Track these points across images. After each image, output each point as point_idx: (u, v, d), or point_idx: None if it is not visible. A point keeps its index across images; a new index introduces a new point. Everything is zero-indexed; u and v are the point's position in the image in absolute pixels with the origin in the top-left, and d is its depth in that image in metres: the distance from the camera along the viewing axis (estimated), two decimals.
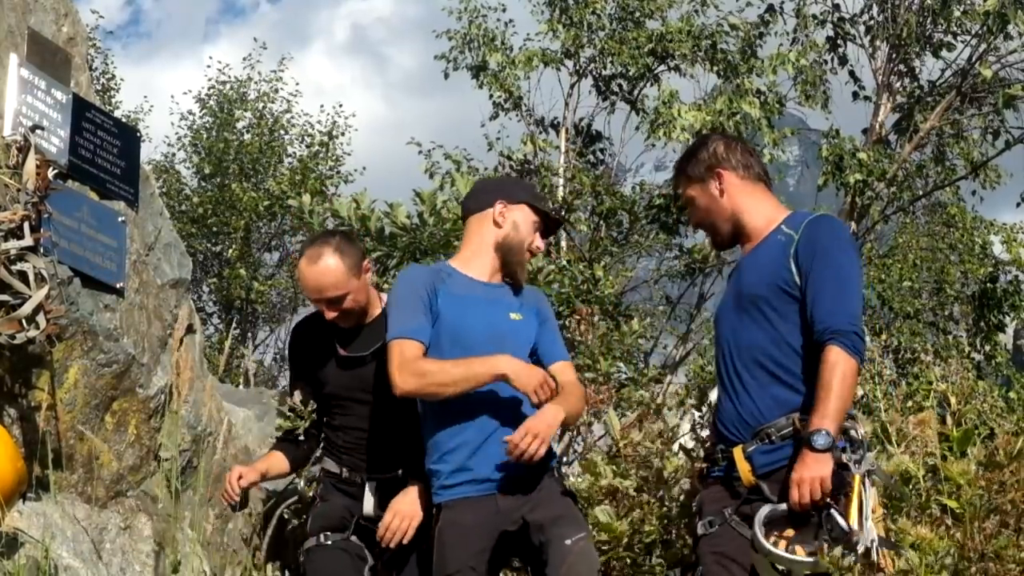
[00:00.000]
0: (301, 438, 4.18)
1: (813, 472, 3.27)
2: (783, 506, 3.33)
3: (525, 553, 3.76)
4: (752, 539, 3.32)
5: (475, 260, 3.91)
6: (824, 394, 3.33)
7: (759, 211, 3.70)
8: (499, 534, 3.67)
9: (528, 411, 3.71)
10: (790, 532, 3.32)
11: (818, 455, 3.27)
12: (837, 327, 3.38)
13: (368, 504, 4.02)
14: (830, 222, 3.65)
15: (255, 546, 4.40)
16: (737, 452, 3.50)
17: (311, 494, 4.34)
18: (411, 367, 3.64)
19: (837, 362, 3.33)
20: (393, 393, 3.75)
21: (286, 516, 4.43)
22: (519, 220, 3.90)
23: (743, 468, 3.48)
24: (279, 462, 4.19)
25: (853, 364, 3.37)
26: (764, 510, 3.34)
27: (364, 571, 3.96)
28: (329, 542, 4.00)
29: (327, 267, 3.96)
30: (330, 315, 4.00)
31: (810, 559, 3.25)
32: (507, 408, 3.73)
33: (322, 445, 4.25)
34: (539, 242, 3.95)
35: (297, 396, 4.16)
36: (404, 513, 3.86)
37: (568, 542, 3.60)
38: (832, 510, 3.27)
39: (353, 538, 4.01)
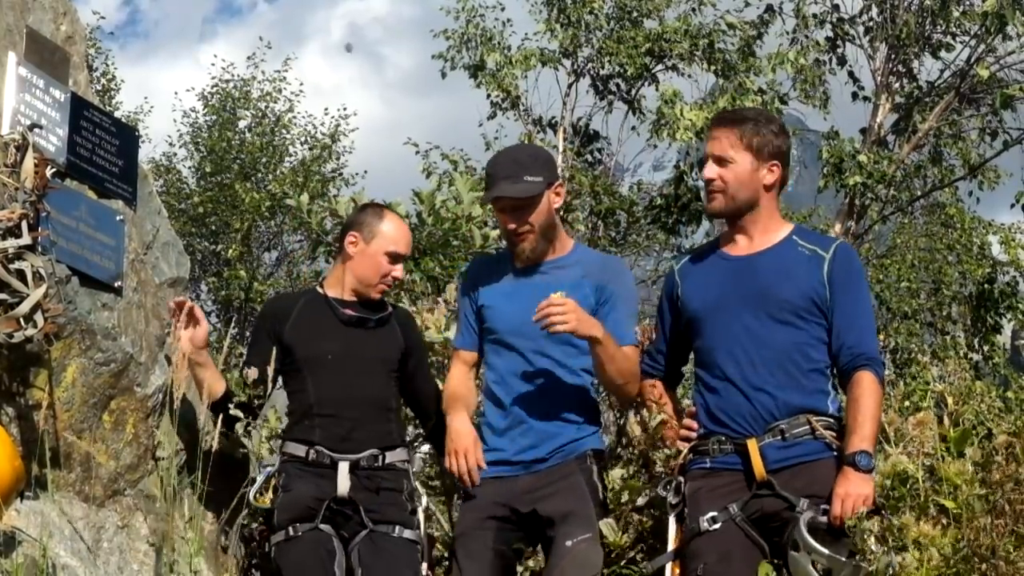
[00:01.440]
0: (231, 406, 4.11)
1: (858, 490, 3.38)
2: (823, 519, 3.40)
3: (530, 535, 3.86)
4: (798, 539, 3.35)
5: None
6: (862, 417, 3.46)
7: (774, 216, 3.76)
8: (511, 510, 3.77)
9: (563, 401, 3.83)
10: (826, 543, 3.36)
11: (862, 474, 3.39)
12: (871, 354, 3.56)
13: (343, 485, 3.97)
14: (856, 254, 3.84)
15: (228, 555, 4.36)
16: (752, 445, 3.52)
17: (267, 496, 4.20)
18: (445, 389, 4.07)
19: (871, 388, 3.50)
20: (386, 366, 4.14)
21: (244, 522, 4.36)
22: (498, 215, 3.99)
23: (757, 462, 3.50)
24: (220, 380, 4.14)
25: (881, 392, 3.56)
26: (807, 515, 3.39)
27: (334, 566, 3.93)
28: (299, 533, 3.97)
29: (406, 226, 4.32)
30: (399, 273, 4.22)
31: (851, 560, 3.30)
32: (542, 399, 3.82)
33: (287, 428, 4.16)
34: (509, 225, 3.87)
35: (253, 372, 4.09)
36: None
37: (569, 543, 3.62)
38: (867, 528, 3.34)
39: (323, 526, 3.99)
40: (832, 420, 3.55)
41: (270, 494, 4.11)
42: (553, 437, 3.79)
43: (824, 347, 3.60)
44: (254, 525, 4.33)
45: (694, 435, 3.70)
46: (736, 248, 3.73)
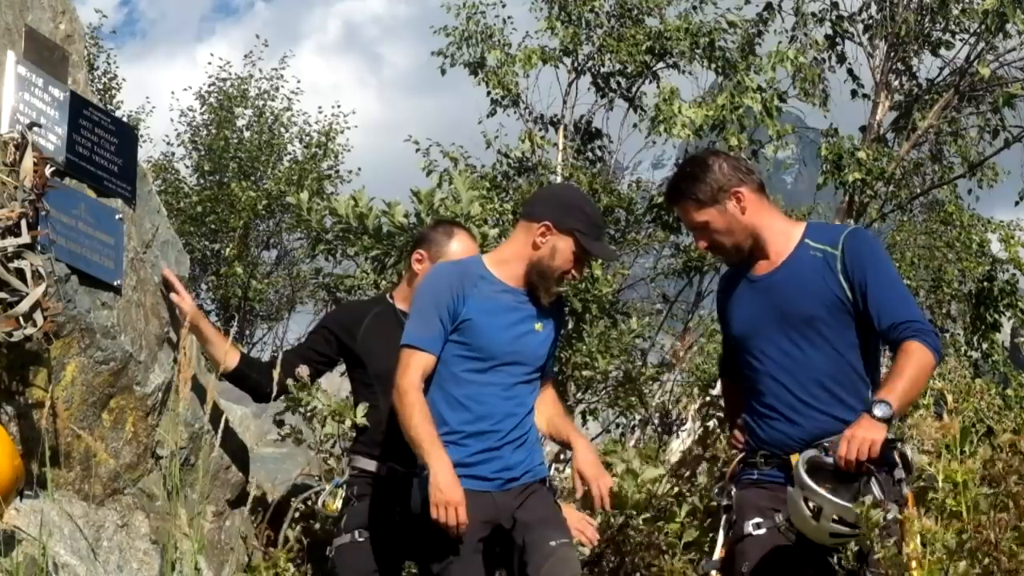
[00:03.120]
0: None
1: (867, 433, 3.33)
2: (829, 459, 3.38)
3: (505, 551, 3.78)
4: (794, 474, 3.36)
5: (511, 264, 3.88)
6: (895, 376, 3.41)
7: (776, 226, 3.74)
8: (495, 527, 3.73)
9: (531, 424, 3.85)
10: (827, 485, 3.36)
11: (875, 421, 3.34)
12: (918, 323, 3.49)
13: (415, 502, 3.95)
14: (867, 234, 3.79)
15: (265, 543, 4.41)
16: (796, 459, 3.51)
17: (336, 503, 4.25)
18: (405, 397, 3.70)
19: (915, 352, 3.42)
20: None
21: (298, 511, 4.42)
22: (560, 248, 3.81)
23: None
24: (223, 343, 4.28)
25: (931, 359, 3.47)
26: (810, 452, 3.39)
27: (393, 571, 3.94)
28: (362, 539, 3.98)
29: (477, 247, 4.29)
30: None
31: (842, 501, 3.28)
32: (520, 421, 3.82)
33: (356, 442, 4.22)
34: (575, 271, 3.87)
35: (304, 370, 4.19)
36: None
37: (552, 543, 3.64)
38: (873, 478, 3.32)
39: (387, 538, 3.98)
40: None
41: (338, 502, 4.16)
42: (524, 459, 3.82)
43: (857, 351, 3.58)
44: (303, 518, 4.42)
45: (741, 446, 3.77)
46: (759, 267, 3.74)
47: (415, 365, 3.74)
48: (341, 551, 4.01)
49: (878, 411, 3.35)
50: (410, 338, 3.78)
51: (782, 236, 3.71)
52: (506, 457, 3.76)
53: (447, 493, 3.58)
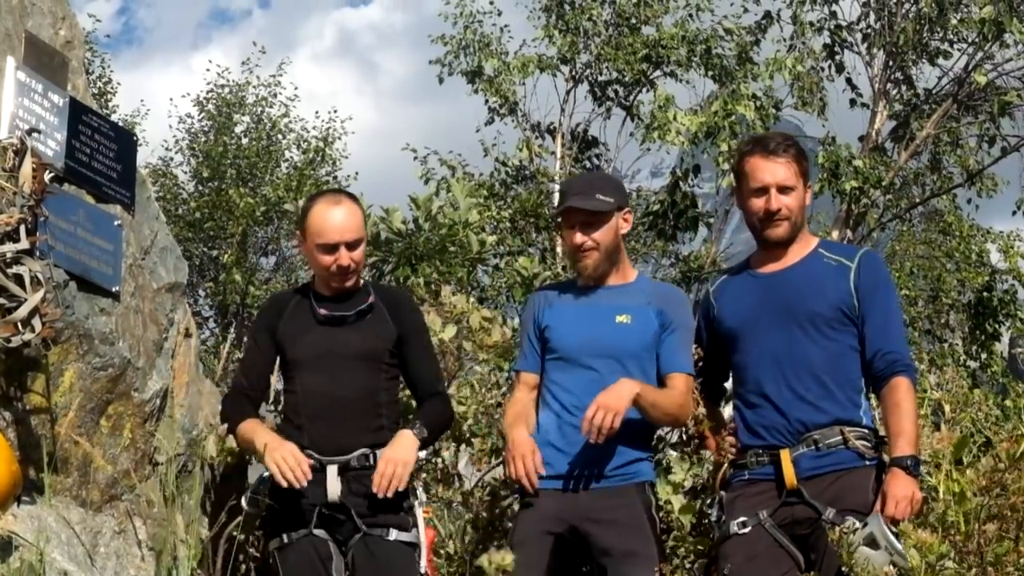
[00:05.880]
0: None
1: (911, 491, 3.44)
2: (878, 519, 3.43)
3: (591, 567, 3.81)
4: (878, 536, 3.36)
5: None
6: (907, 422, 3.53)
7: (805, 232, 3.85)
8: (569, 527, 3.74)
9: (628, 419, 3.72)
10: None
11: (910, 477, 3.46)
12: (906, 359, 3.64)
13: (333, 491, 3.90)
14: (880, 259, 3.89)
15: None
16: (785, 454, 3.59)
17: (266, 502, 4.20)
18: (507, 410, 4.02)
19: (910, 393, 3.59)
20: (370, 360, 3.96)
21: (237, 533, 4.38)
22: (564, 232, 4.06)
23: (788, 470, 3.58)
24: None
25: (915, 397, 3.67)
26: (877, 517, 3.41)
27: (332, 570, 3.91)
28: (294, 540, 3.93)
29: (351, 209, 4.00)
30: (344, 261, 3.94)
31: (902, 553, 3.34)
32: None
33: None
34: (576, 238, 3.91)
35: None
36: (395, 459, 3.80)
37: None
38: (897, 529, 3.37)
39: (317, 532, 3.94)
40: (866, 431, 3.61)
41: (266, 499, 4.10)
42: (614, 455, 3.78)
43: (857, 356, 3.66)
44: (241, 536, 4.35)
45: (734, 451, 3.78)
46: (766, 266, 3.82)
47: (517, 385, 4.05)
48: (277, 555, 3.95)
49: (916, 469, 3.48)
50: (515, 366, 4.13)
51: (803, 242, 3.82)
52: (586, 448, 3.74)
53: (514, 449, 3.78)
